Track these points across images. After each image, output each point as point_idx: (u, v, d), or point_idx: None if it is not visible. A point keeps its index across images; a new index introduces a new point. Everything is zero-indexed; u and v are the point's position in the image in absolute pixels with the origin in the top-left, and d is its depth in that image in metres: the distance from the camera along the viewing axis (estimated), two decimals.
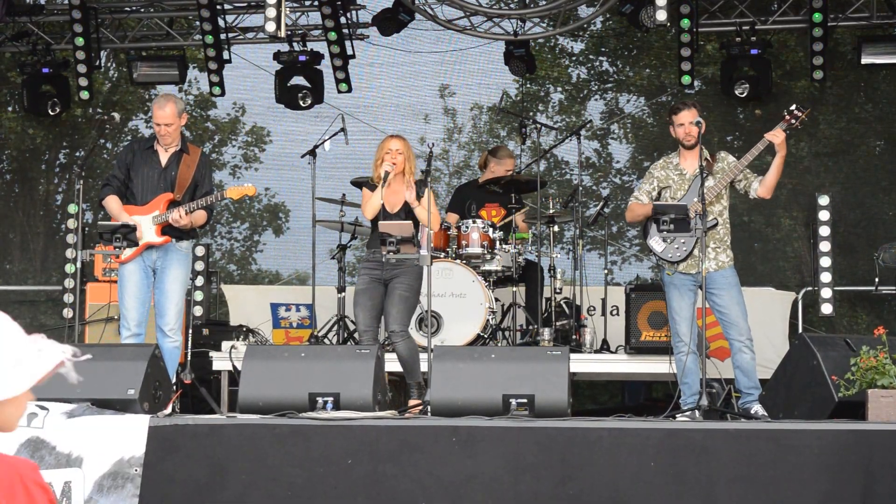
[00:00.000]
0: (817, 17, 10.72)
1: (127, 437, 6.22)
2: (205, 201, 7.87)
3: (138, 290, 7.80)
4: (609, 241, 11.35)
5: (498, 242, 9.19)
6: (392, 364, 8.05)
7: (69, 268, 11.28)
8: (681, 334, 7.53)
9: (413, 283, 7.81)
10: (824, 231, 10.67)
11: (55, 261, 12.86)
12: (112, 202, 7.86)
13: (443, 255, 9.09)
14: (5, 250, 13.45)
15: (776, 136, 7.49)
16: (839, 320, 11.68)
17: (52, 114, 11.99)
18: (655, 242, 7.63)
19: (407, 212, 7.86)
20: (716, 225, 7.54)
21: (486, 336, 9.04)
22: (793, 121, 7.59)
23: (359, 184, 9.72)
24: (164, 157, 7.92)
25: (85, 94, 11.88)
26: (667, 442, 5.96)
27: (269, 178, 13.63)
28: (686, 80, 11.18)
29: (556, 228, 9.67)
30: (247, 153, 14.06)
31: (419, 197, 7.84)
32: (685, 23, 10.81)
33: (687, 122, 7.62)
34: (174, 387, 7.56)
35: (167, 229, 7.82)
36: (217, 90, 11.99)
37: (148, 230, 7.78)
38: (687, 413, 7.09)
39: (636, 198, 7.81)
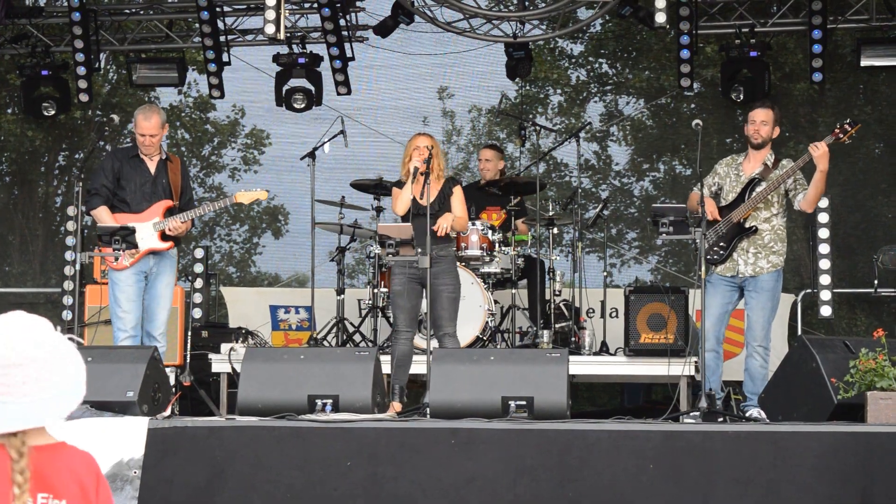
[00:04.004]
0: None
1: (126, 439, 6.21)
2: (211, 207, 7.99)
3: (135, 293, 7.86)
4: (608, 243, 11.35)
5: (497, 244, 9.19)
6: (389, 367, 8.06)
7: (68, 270, 11.29)
8: (705, 330, 7.54)
9: (454, 281, 7.88)
10: (823, 233, 10.67)
11: (54, 263, 12.87)
12: (103, 213, 7.90)
13: None
14: (4, 252, 13.45)
15: (816, 148, 7.46)
16: (838, 322, 11.68)
17: (47, 116, 11.98)
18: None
19: (440, 207, 7.87)
20: (755, 231, 7.59)
21: (485, 338, 9.04)
22: (841, 135, 7.58)
23: (359, 186, 9.79)
24: (151, 166, 8.00)
25: (84, 97, 11.88)
26: (666, 444, 5.96)
27: (268, 181, 13.63)
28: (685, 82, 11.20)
29: (555, 231, 9.67)
30: (246, 155, 14.07)
31: (449, 195, 7.89)
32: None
33: (758, 121, 7.66)
34: (173, 389, 7.56)
35: (168, 235, 7.93)
36: (216, 92, 11.99)
37: (150, 236, 7.87)
38: (690, 414, 7.10)
39: (697, 189, 7.85)
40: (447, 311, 7.80)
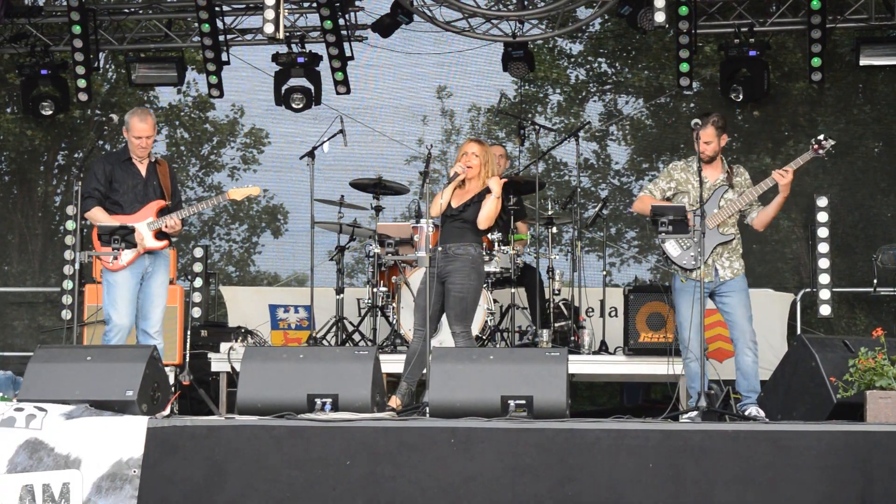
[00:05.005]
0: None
1: (125, 438, 6.22)
2: (205, 205, 8.01)
3: (131, 293, 7.91)
4: (608, 242, 11.35)
5: (497, 244, 9.19)
6: (389, 366, 8.06)
7: (67, 269, 11.29)
8: (685, 341, 7.58)
9: (465, 280, 7.83)
10: (823, 232, 10.67)
11: (53, 262, 12.87)
12: (100, 213, 7.95)
13: None
14: (4, 252, 13.45)
15: (782, 175, 7.56)
16: (837, 321, 11.68)
17: (46, 115, 11.98)
18: (671, 247, 7.67)
19: (464, 208, 7.90)
20: (732, 239, 7.65)
21: (484, 337, 9.04)
22: (820, 150, 7.62)
23: (359, 185, 9.81)
24: (142, 169, 8.07)
25: (83, 96, 11.89)
26: (665, 443, 5.97)
27: (267, 180, 13.64)
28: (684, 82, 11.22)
29: (554, 230, 9.67)
30: (245, 155, 14.07)
31: (480, 200, 7.90)
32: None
33: (702, 142, 7.70)
34: (173, 388, 7.56)
35: (162, 235, 7.98)
36: (216, 92, 12.00)
37: (146, 235, 7.88)
38: (689, 415, 7.10)
39: (650, 191, 7.87)
40: (452, 310, 7.80)
